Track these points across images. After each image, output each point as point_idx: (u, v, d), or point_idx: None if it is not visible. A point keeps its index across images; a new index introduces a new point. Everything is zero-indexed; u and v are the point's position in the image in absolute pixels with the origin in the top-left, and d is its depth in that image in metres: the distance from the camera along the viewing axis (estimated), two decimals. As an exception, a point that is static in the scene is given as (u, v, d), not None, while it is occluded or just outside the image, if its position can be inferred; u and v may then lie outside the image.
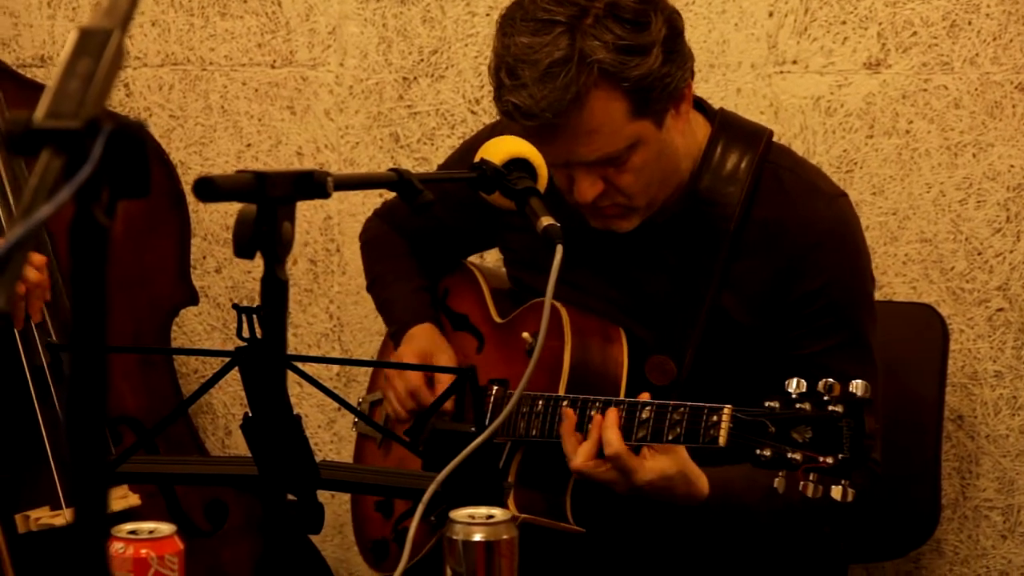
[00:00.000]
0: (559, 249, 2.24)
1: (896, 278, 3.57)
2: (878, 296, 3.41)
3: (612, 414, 2.65)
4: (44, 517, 3.21)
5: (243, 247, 1.95)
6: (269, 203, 1.96)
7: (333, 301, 3.79)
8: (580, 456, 2.66)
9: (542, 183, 2.39)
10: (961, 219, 3.55)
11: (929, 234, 3.57)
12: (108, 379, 1.41)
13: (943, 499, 3.36)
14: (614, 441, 2.61)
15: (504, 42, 2.76)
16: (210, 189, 2.01)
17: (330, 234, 3.76)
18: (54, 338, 3.29)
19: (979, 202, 3.54)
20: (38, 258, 3.20)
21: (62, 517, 3.22)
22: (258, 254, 1.96)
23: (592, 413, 2.70)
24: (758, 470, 2.51)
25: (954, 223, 3.56)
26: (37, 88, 3.47)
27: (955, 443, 3.53)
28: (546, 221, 2.30)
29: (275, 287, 1.98)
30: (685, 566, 2.95)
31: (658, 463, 2.63)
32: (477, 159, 2.39)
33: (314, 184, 2.03)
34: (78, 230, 1.35)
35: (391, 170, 2.23)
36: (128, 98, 3.76)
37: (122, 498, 3.25)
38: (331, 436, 3.75)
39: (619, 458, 2.60)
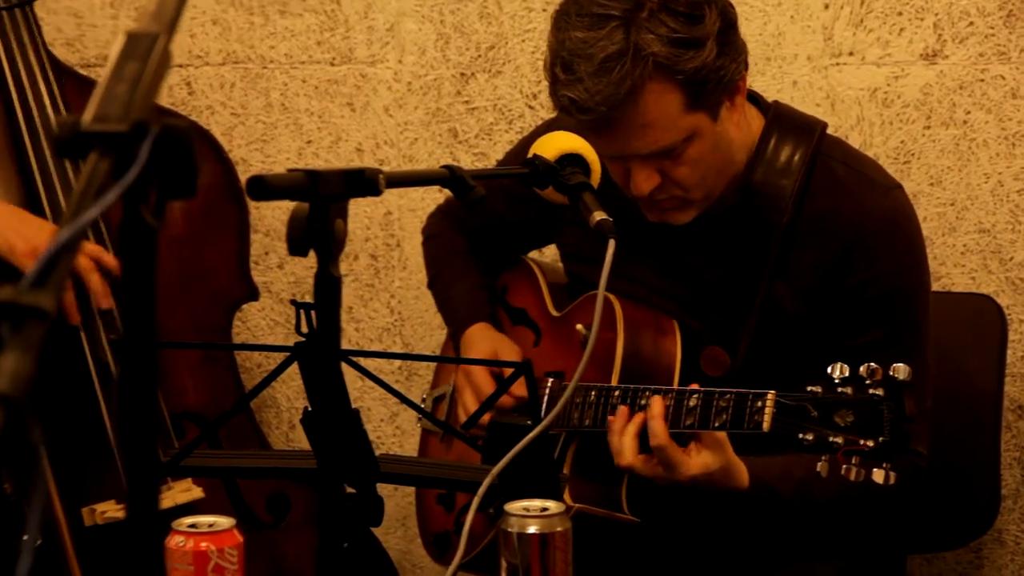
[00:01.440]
0: (611, 243, 2.26)
1: (954, 269, 3.57)
2: (936, 287, 3.42)
3: (658, 404, 2.67)
4: (110, 511, 3.22)
5: (297, 245, 1.98)
6: (321, 201, 1.98)
7: (394, 296, 3.81)
8: (627, 454, 2.68)
9: (595, 178, 2.41)
10: (1019, 209, 3.55)
11: (987, 224, 3.56)
12: (158, 376, 1.43)
13: (1003, 489, 3.35)
14: (660, 432, 2.64)
15: (559, 37, 2.77)
16: (262, 188, 2.03)
17: (390, 229, 3.78)
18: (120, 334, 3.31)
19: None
20: (92, 247, 3.23)
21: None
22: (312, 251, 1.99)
23: (641, 402, 2.72)
24: (796, 463, 2.53)
25: (1012, 213, 3.56)
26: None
27: (1015, 433, 3.53)
28: (599, 216, 2.32)
29: (328, 283, 2.01)
30: (742, 556, 2.95)
31: (702, 458, 2.65)
32: (530, 155, 2.42)
33: (366, 181, 2.04)
34: (126, 230, 1.37)
35: (444, 167, 2.25)
36: (190, 96, 3.78)
37: (185, 491, 3.27)
38: (394, 430, 3.77)
39: (664, 450, 2.63)
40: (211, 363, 3.48)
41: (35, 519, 1.20)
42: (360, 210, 3.77)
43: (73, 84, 3.43)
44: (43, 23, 3.55)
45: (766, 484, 2.71)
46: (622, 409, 2.73)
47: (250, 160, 3.78)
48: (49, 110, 3.32)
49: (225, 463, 2.75)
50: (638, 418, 2.67)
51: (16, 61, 3.37)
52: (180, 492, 3.27)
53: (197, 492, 3.28)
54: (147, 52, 1.40)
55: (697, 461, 2.64)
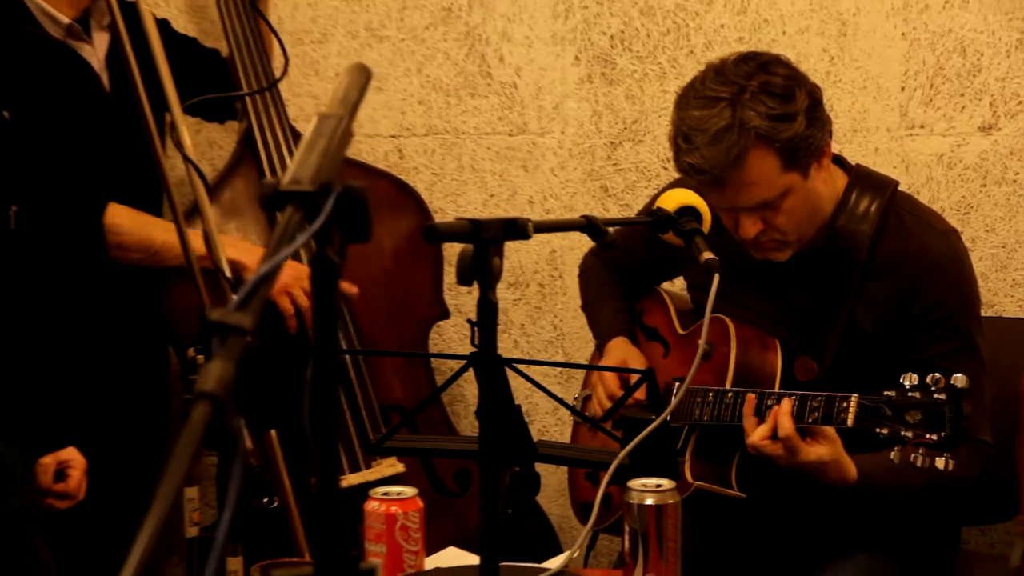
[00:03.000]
0: (716, 277, 2.28)
1: (1006, 299, 3.52)
2: (990, 313, 3.40)
3: (787, 403, 2.66)
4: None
5: (463, 277, 2.00)
6: (482, 243, 1.99)
7: (557, 316, 3.81)
8: (757, 435, 2.67)
9: (706, 225, 2.40)
10: (1059, 251, 3.51)
11: (1035, 269, 3.53)
12: (337, 375, 1.45)
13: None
14: (787, 425, 2.62)
15: (680, 115, 2.78)
16: (434, 233, 2.08)
17: (555, 264, 3.78)
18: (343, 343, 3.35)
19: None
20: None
21: (346, 481, 3.30)
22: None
23: (769, 402, 2.70)
24: (897, 465, 2.52)
25: (1053, 254, 3.51)
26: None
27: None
28: (707, 255, 2.33)
29: (487, 307, 2.03)
30: (823, 523, 2.94)
31: (817, 449, 2.63)
32: (654, 207, 2.43)
33: (517, 228, 2.04)
34: (317, 266, 1.40)
35: (583, 216, 2.26)
36: (401, 160, 3.81)
37: (391, 466, 3.30)
38: (556, 420, 3.77)
39: (789, 439, 2.62)
40: (411, 367, 3.50)
41: (235, 487, 1.22)
42: (531, 249, 3.79)
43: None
44: (288, 104, 3.61)
45: (874, 482, 2.69)
46: (750, 397, 2.73)
47: (446, 210, 3.79)
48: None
49: (419, 444, 2.78)
50: (771, 416, 2.67)
51: (266, 132, 3.43)
52: (387, 467, 3.31)
53: (400, 467, 3.31)
54: (333, 130, 1.43)
55: (813, 450, 2.63)
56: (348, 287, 3.29)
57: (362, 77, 1.56)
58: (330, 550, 1.47)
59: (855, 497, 2.75)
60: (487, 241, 1.98)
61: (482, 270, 1.98)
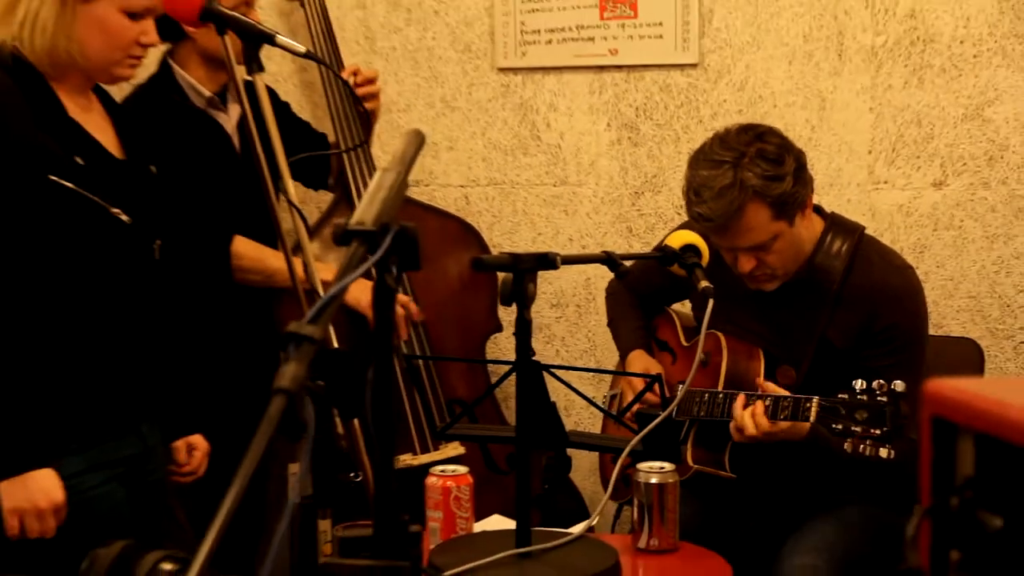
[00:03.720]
0: (711, 302, 2.30)
1: (952, 321, 3.48)
2: (940, 332, 3.38)
3: (760, 406, 2.70)
4: (405, 459, 3.29)
5: (504, 299, 2.04)
6: (520, 272, 2.02)
7: (590, 331, 3.80)
8: (749, 429, 2.70)
9: (705, 260, 2.42)
10: (996, 284, 3.46)
11: (975, 293, 3.48)
12: (392, 375, 1.47)
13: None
14: (763, 424, 2.68)
15: (691, 173, 2.80)
16: (481, 264, 2.10)
17: (589, 288, 3.78)
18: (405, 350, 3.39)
19: (1007, 272, 3.45)
20: (403, 298, 3.30)
21: (418, 460, 3.31)
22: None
23: (753, 401, 2.73)
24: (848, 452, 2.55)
25: (991, 286, 3.47)
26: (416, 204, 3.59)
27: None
28: (703, 284, 2.35)
29: (523, 324, 2.05)
30: (803, 496, 2.95)
31: (780, 426, 2.68)
32: (662, 244, 2.44)
33: (548, 260, 2.08)
34: (378, 289, 1.41)
35: (603, 252, 2.29)
36: (467, 205, 3.83)
37: (454, 448, 3.31)
38: (589, 415, 3.75)
39: (765, 433, 2.69)
40: (471, 371, 3.50)
41: (305, 467, 1.23)
42: (570, 277, 3.79)
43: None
44: (377, 159, 3.63)
45: (820, 434, 2.68)
46: (741, 396, 2.74)
47: (503, 245, 3.79)
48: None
49: (475, 432, 2.79)
50: (757, 408, 2.70)
51: (359, 182, 3.45)
52: (451, 449, 3.31)
53: (460, 449, 3.32)
54: (392, 182, 1.45)
55: (778, 429, 2.67)
56: (416, 312, 3.32)
57: (417, 140, 1.57)
58: (387, 516, 1.49)
59: (815, 455, 2.76)
60: (523, 271, 2.01)
61: (519, 294, 2.01)
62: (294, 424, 1.17)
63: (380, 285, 1.41)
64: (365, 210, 1.36)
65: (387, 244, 1.34)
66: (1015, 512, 0.79)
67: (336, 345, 2.32)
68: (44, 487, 2.30)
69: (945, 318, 3.50)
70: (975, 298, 3.51)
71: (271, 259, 3.13)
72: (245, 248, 3.15)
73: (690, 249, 2.41)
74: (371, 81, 3.40)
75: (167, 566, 1.46)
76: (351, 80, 3.35)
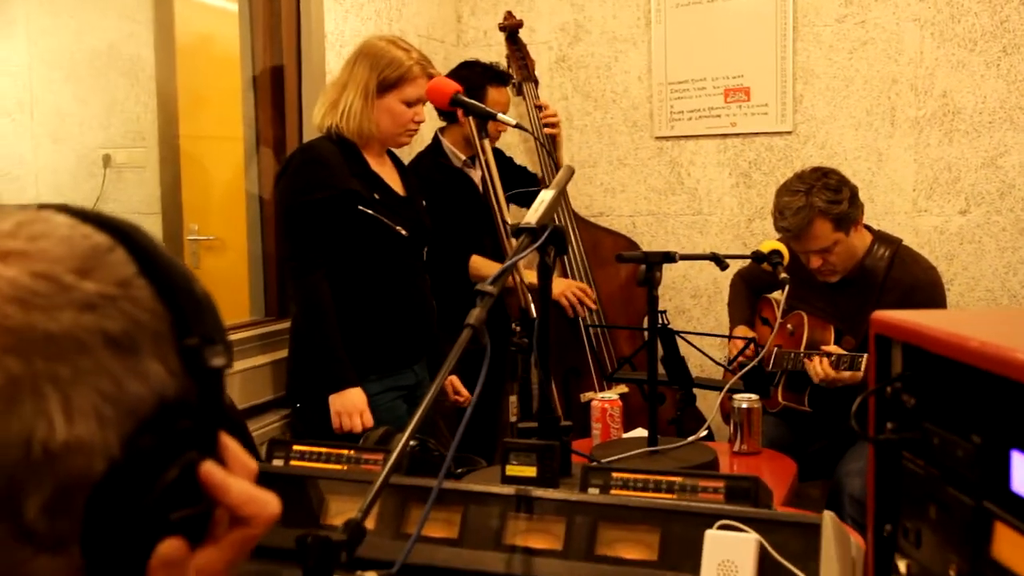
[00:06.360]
0: (787, 287, 2.24)
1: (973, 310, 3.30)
2: (964, 315, 3.18)
3: (826, 361, 2.60)
4: (589, 395, 3.24)
5: (639, 283, 2.02)
6: (649, 264, 2.00)
7: (717, 313, 3.73)
8: (819, 375, 2.61)
9: (786, 259, 2.35)
10: (1006, 282, 3.27)
11: (990, 288, 3.29)
12: (548, 329, 1.47)
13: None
14: (830, 372, 2.59)
15: (777, 200, 2.75)
16: (622, 258, 2.08)
17: (716, 285, 3.71)
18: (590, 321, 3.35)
19: (1015, 274, 3.26)
20: (582, 284, 3.28)
21: (597, 396, 3.24)
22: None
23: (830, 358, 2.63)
24: None
25: (1002, 284, 3.28)
26: (599, 228, 3.58)
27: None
28: (782, 276, 2.28)
29: (653, 301, 2.03)
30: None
31: (843, 375, 2.59)
32: (756, 250, 2.38)
33: (669, 256, 2.02)
34: (540, 268, 1.43)
35: (711, 253, 2.23)
36: (634, 229, 3.80)
37: (622, 388, 3.25)
38: (716, 369, 3.69)
39: (829, 377, 2.59)
40: (633, 337, 3.39)
41: (484, 373, 1.21)
42: (705, 273, 3.73)
43: (584, 224, 3.50)
44: (573, 199, 3.66)
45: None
46: (816, 358, 2.64)
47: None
48: (578, 238, 3.40)
49: (632, 376, 2.77)
50: (824, 361, 2.60)
51: (562, 216, 3.47)
52: (620, 388, 3.27)
53: (626, 389, 3.28)
54: (551, 198, 1.45)
55: (840, 376, 2.58)
56: (590, 301, 3.28)
57: (569, 172, 1.58)
58: (549, 415, 1.50)
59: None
60: (652, 263, 2.00)
61: (649, 279, 2.00)
62: (478, 346, 1.19)
63: (541, 264, 1.43)
64: (531, 215, 1.38)
65: (545, 236, 1.36)
66: (924, 394, 0.78)
67: (535, 315, 2.34)
68: (356, 400, 2.38)
69: (968, 307, 3.31)
70: (991, 291, 3.31)
71: (492, 269, 3.13)
72: (478, 263, 3.13)
73: (775, 253, 2.35)
74: (552, 115, 3.37)
75: (411, 442, 1.52)
76: (543, 113, 3.34)
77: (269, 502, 0.57)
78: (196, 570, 0.55)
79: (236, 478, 0.56)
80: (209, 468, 0.55)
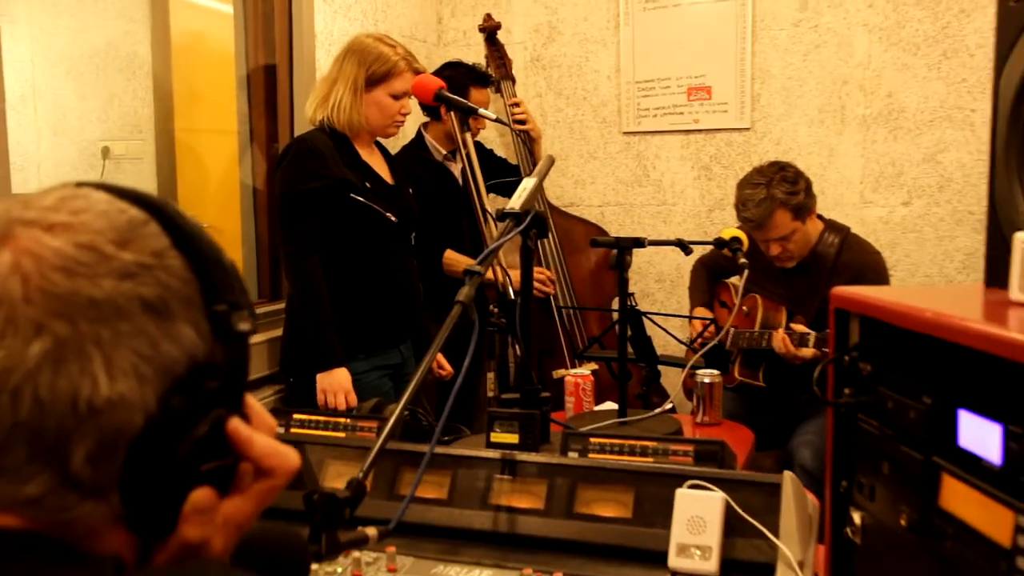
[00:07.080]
0: (745, 272, 2.23)
1: (915, 292, 3.35)
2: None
3: (787, 337, 2.62)
4: (560, 372, 3.26)
5: (611, 267, 2.00)
6: (620, 248, 1.99)
7: (680, 295, 3.75)
8: (781, 349, 2.63)
9: (745, 246, 2.36)
10: (943, 267, 3.32)
11: (929, 273, 3.34)
12: (530, 308, 1.47)
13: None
14: (789, 347, 2.60)
15: (739, 192, 2.76)
16: (596, 242, 2.06)
17: (678, 270, 3.74)
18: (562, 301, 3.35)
19: (951, 260, 3.31)
20: (547, 273, 3.23)
21: (568, 373, 3.23)
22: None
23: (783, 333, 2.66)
24: None
25: (940, 269, 3.32)
26: (571, 216, 3.58)
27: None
28: (742, 261, 2.27)
29: (623, 283, 2.01)
30: (808, 398, 2.86)
31: (803, 352, 2.60)
32: (717, 237, 2.39)
33: (639, 241, 2.00)
34: (523, 251, 1.43)
35: (677, 239, 2.23)
36: (603, 218, 3.81)
37: (591, 366, 3.22)
38: (678, 347, 3.72)
39: (789, 352, 2.60)
40: (602, 317, 3.42)
41: (473, 346, 1.22)
42: (669, 259, 3.75)
43: (557, 213, 3.50)
44: (547, 190, 3.66)
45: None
46: (778, 334, 2.65)
47: (625, 242, 3.78)
48: (552, 226, 3.40)
49: (600, 355, 2.77)
50: (787, 338, 2.62)
51: (540, 203, 3.46)
52: (589, 366, 3.26)
53: (595, 366, 3.23)
54: (532, 185, 1.45)
55: (800, 352, 2.59)
56: (548, 283, 3.22)
57: (549, 162, 1.58)
58: (529, 387, 1.51)
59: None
60: (623, 248, 2.00)
61: (620, 263, 2.00)
62: (467, 321, 1.19)
63: (524, 246, 1.43)
64: (515, 201, 1.38)
65: (527, 220, 1.36)
66: (879, 362, 0.80)
67: (512, 296, 2.34)
68: (341, 380, 2.35)
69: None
70: (929, 276, 3.36)
71: (465, 263, 3.06)
72: (452, 257, 3.08)
73: (735, 239, 2.36)
74: (520, 112, 3.32)
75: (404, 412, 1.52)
76: (513, 110, 3.30)
77: (290, 455, 0.59)
78: (224, 517, 0.56)
79: (259, 433, 0.58)
80: (236, 424, 0.56)
